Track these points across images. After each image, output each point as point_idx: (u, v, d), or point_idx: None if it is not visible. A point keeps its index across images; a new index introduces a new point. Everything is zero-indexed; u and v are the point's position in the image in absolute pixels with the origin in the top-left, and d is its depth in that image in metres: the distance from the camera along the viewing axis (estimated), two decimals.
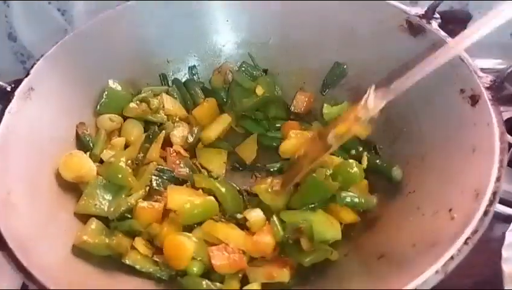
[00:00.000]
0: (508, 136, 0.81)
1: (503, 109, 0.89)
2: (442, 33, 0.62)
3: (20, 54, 1.16)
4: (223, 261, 0.56)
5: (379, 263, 0.50)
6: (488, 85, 0.54)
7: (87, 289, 0.48)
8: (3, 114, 0.57)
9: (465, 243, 0.40)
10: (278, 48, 0.79)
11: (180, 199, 0.60)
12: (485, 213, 0.42)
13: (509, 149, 0.72)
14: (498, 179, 0.44)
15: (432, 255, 0.41)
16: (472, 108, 0.55)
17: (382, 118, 0.69)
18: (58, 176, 0.60)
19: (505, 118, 0.84)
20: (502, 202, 0.71)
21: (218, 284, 0.56)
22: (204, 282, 0.55)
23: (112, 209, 0.60)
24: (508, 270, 0.51)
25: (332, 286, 0.52)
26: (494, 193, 0.43)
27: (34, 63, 0.64)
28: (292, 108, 0.78)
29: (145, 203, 0.60)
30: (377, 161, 0.65)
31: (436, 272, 0.39)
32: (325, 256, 0.56)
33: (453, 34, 1.09)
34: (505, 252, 0.53)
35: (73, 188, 0.62)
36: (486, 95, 0.54)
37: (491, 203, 0.43)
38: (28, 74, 0.62)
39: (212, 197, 0.61)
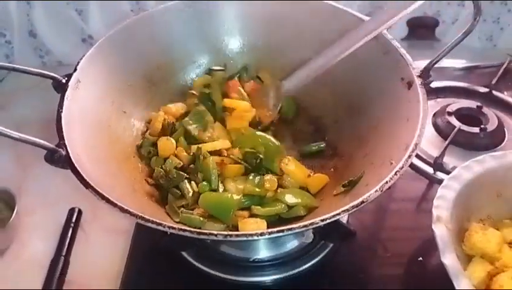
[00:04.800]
0: (455, 120, 1.04)
1: (451, 100, 1.12)
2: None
3: (39, 50, 1.33)
4: None
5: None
6: (418, 74, 0.76)
7: None
8: (63, 100, 0.75)
9: (395, 174, 0.62)
10: (263, 48, 1.00)
11: None
12: (409, 156, 0.64)
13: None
14: (419, 136, 0.67)
15: (376, 185, 0.63)
16: (408, 91, 0.76)
17: (344, 103, 0.91)
18: (108, 147, 0.79)
19: (454, 108, 1.08)
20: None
21: None
22: None
23: None
24: (436, 214, 0.69)
25: None
26: (416, 144, 0.65)
27: (78, 62, 0.83)
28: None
29: None
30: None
31: (376, 191, 0.60)
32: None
33: (422, 37, 1.34)
34: (435, 201, 0.72)
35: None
36: (417, 81, 0.76)
37: (413, 150, 0.65)
38: (75, 70, 0.81)
39: None
